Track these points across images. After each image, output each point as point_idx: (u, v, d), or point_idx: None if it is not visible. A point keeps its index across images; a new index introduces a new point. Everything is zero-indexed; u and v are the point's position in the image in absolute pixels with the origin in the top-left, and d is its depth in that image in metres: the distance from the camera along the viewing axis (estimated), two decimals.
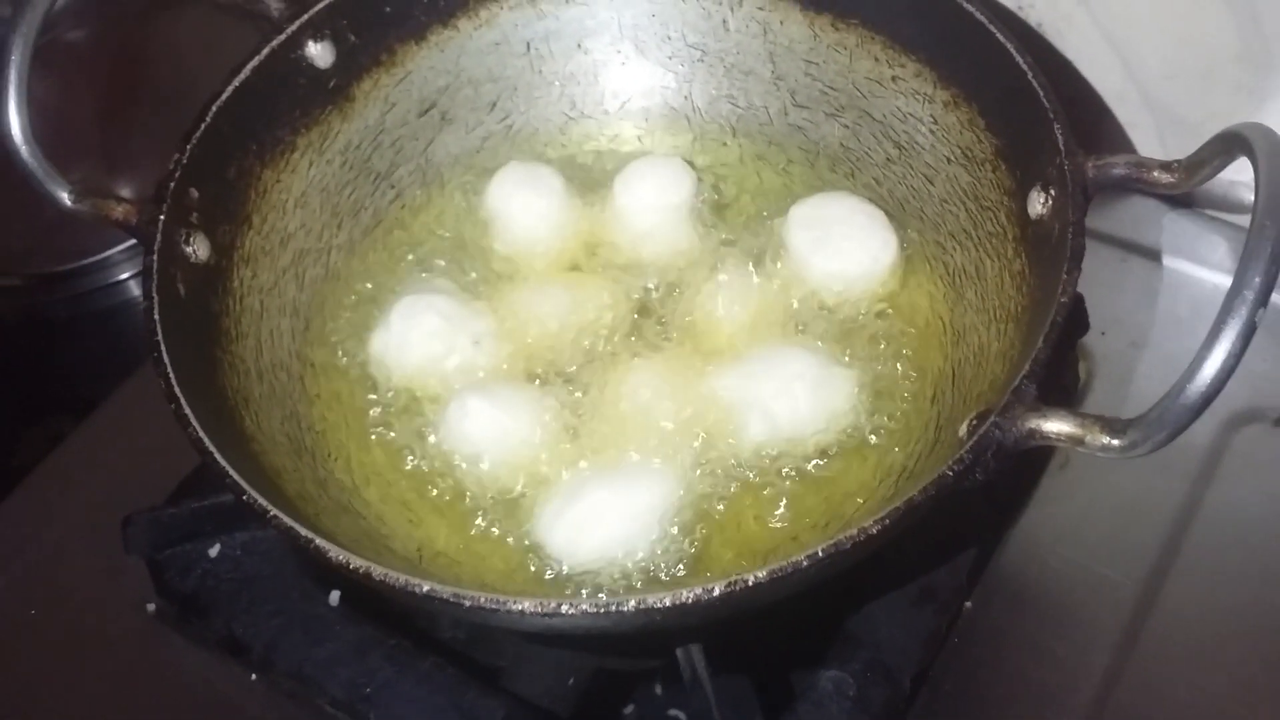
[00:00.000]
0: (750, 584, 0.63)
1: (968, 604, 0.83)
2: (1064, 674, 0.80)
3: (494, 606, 0.64)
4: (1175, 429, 0.62)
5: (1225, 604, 0.83)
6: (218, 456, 0.70)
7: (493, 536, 0.82)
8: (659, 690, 0.84)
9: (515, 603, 0.64)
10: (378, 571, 0.65)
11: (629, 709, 0.83)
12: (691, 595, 0.63)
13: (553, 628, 0.72)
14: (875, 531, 0.64)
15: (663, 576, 0.79)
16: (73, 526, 0.95)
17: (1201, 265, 1.01)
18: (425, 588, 0.65)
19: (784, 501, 0.82)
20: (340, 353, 0.92)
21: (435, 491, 0.84)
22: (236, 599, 0.87)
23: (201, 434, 0.70)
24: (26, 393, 1.16)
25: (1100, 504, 0.87)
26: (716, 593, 0.63)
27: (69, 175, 0.85)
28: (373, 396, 0.89)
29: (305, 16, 0.90)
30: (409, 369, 0.89)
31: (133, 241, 0.97)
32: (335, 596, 0.86)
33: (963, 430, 0.71)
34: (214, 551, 0.89)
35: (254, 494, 0.69)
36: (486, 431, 0.83)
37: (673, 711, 0.83)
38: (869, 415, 0.85)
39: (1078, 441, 0.65)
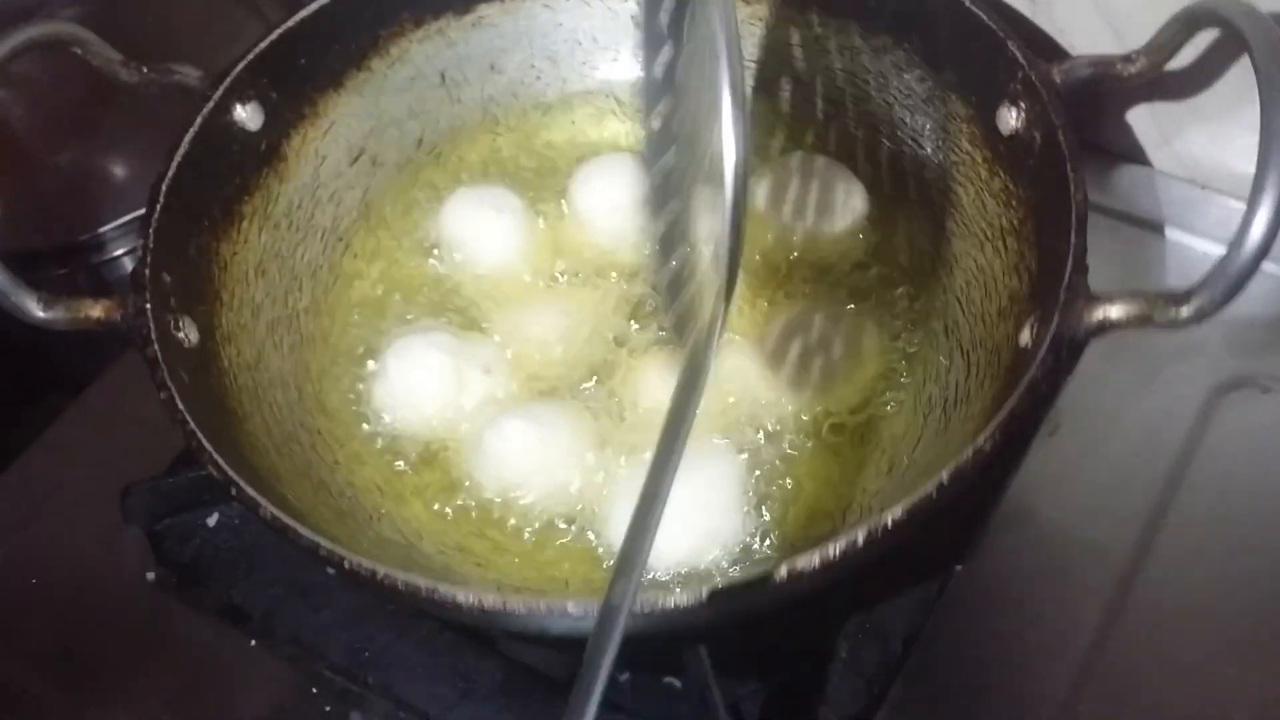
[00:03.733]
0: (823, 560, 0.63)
1: (959, 567, 0.83)
2: (1054, 636, 0.80)
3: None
4: (1233, 288, 0.65)
5: (1213, 567, 0.83)
6: (301, 531, 0.66)
7: (565, 554, 0.80)
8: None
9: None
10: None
11: (624, 676, 0.82)
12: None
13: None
14: (989, 448, 0.65)
15: (753, 555, 0.78)
16: (72, 497, 0.92)
17: (1192, 234, 0.99)
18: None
19: (840, 457, 0.82)
20: (342, 414, 0.88)
21: (491, 527, 0.81)
22: (235, 567, 0.87)
23: (284, 518, 0.67)
24: (23, 371, 1.10)
25: (1090, 468, 0.87)
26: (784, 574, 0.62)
27: (61, 156, 0.83)
28: (388, 448, 0.86)
29: (228, 81, 0.86)
30: (420, 412, 0.86)
31: (126, 218, 1.02)
32: None
33: (1024, 338, 0.72)
34: (212, 520, 0.89)
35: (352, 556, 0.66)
36: (531, 451, 0.81)
37: (667, 679, 0.82)
38: (888, 357, 0.86)
39: (1146, 320, 0.67)
